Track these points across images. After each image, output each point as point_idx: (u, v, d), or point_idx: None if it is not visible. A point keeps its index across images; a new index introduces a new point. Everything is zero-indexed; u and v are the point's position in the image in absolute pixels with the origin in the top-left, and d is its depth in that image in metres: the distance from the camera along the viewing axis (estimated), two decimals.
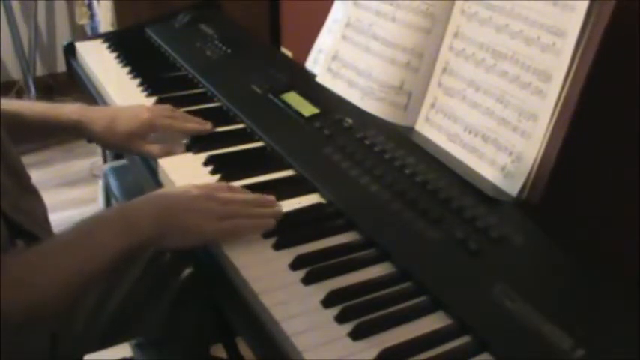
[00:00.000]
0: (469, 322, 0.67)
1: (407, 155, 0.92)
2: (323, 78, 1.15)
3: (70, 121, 1.04)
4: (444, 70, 0.99)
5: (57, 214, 1.09)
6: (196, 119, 1.09)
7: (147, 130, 1.04)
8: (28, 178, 0.91)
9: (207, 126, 1.08)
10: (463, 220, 0.80)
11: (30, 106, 1.05)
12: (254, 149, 1.04)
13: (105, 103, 1.26)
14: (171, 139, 1.05)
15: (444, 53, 1.00)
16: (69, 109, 1.05)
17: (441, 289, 0.71)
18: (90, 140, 1.08)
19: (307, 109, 1.07)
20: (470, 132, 0.93)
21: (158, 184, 0.99)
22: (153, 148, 1.02)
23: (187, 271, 1.07)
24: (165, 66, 1.37)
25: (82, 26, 2.44)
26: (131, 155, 1.11)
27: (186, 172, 0.96)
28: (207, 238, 0.81)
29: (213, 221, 0.80)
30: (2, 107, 0.92)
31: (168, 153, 1.01)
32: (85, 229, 0.77)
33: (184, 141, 1.04)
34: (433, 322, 0.69)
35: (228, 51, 1.34)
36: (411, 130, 1.03)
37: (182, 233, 0.79)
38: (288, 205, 0.88)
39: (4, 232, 0.77)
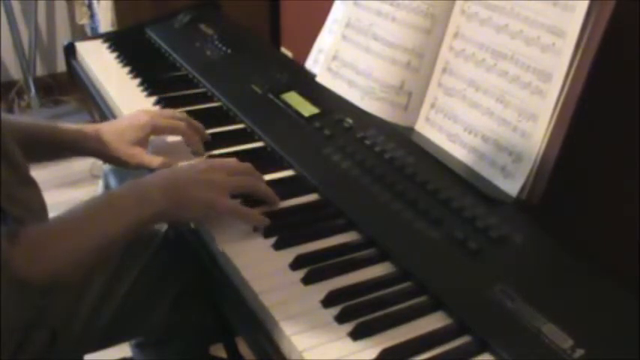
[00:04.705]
0: (469, 322, 0.67)
1: (407, 155, 0.92)
2: (323, 78, 1.15)
3: (68, 140, 1.02)
4: (444, 70, 0.99)
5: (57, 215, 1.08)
6: (197, 126, 1.06)
7: (149, 133, 1.02)
8: (26, 169, 0.91)
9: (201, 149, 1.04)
10: (463, 220, 0.80)
11: (36, 124, 1.03)
12: (254, 149, 1.04)
13: (105, 103, 1.26)
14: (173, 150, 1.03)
15: (444, 53, 1.00)
16: (69, 129, 1.03)
17: (441, 289, 0.71)
18: (97, 157, 1.05)
19: (307, 109, 1.07)
20: (470, 132, 0.93)
21: None
22: (153, 159, 1.00)
23: (187, 271, 1.07)
24: (165, 66, 1.37)
25: (82, 26, 2.44)
26: (133, 169, 1.04)
27: None
28: (218, 210, 0.83)
29: (222, 194, 0.83)
30: (14, 122, 0.94)
31: (167, 164, 0.98)
32: (98, 202, 0.82)
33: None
34: (433, 322, 0.69)
35: (228, 51, 1.34)
36: (411, 130, 1.03)
37: (193, 204, 0.81)
38: (288, 205, 0.88)
39: None
